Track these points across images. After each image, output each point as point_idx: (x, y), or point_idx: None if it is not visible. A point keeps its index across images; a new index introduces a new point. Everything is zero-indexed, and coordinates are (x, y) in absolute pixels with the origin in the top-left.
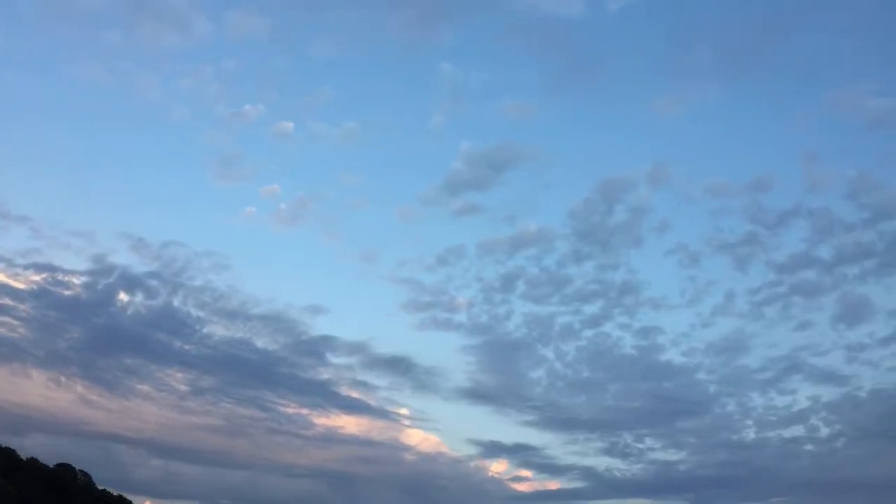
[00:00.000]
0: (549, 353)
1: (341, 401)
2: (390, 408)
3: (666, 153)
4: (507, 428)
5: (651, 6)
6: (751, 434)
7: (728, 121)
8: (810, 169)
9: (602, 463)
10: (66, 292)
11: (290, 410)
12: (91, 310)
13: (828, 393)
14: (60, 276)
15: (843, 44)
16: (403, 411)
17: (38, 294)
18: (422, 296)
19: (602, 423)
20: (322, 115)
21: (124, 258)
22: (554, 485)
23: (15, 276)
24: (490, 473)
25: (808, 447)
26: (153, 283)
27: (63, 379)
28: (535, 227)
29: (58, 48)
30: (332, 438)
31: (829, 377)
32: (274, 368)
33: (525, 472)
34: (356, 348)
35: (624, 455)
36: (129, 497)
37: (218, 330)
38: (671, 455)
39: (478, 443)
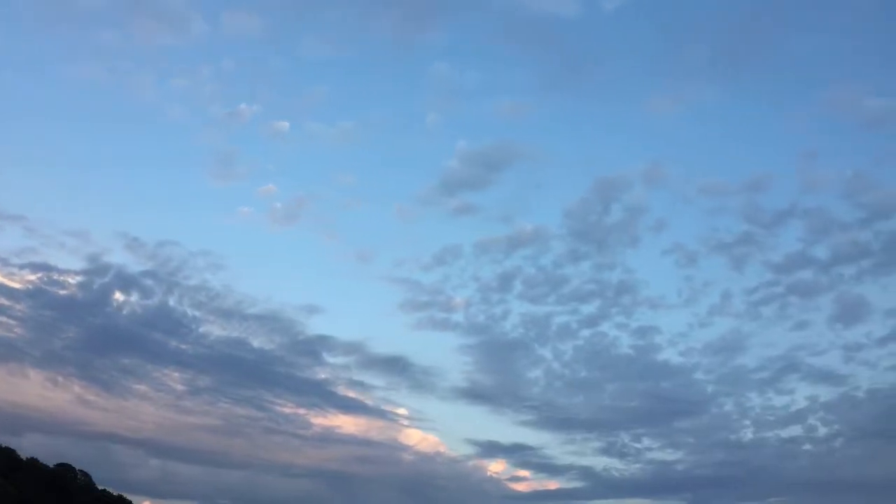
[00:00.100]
0: (546, 352)
1: (338, 400)
2: (387, 407)
3: (662, 153)
4: (505, 428)
5: (646, 5)
6: (748, 434)
7: (724, 120)
8: (806, 168)
9: (600, 463)
10: (62, 292)
11: (287, 410)
12: (87, 309)
13: (825, 393)
14: (56, 276)
15: (839, 43)
16: (401, 411)
17: (34, 294)
18: (418, 295)
19: (599, 423)
20: (317, 114)
21: (119, 257)
22: (552, 485)
23: (10, 275)
24: (488, 473)
25: (806, 447)
26: (148, 282)
27: (60, 379)
28: (532, 226)
29: (53, 48)
30: (329, 438)
31: (826, 377)
32: (270, 368)
33: (523, 472)
34: (352, 348)
35: (622, 455)
36: (128, 497)
37: (214, 329)
38: (669, 455)
39: (475, 443)
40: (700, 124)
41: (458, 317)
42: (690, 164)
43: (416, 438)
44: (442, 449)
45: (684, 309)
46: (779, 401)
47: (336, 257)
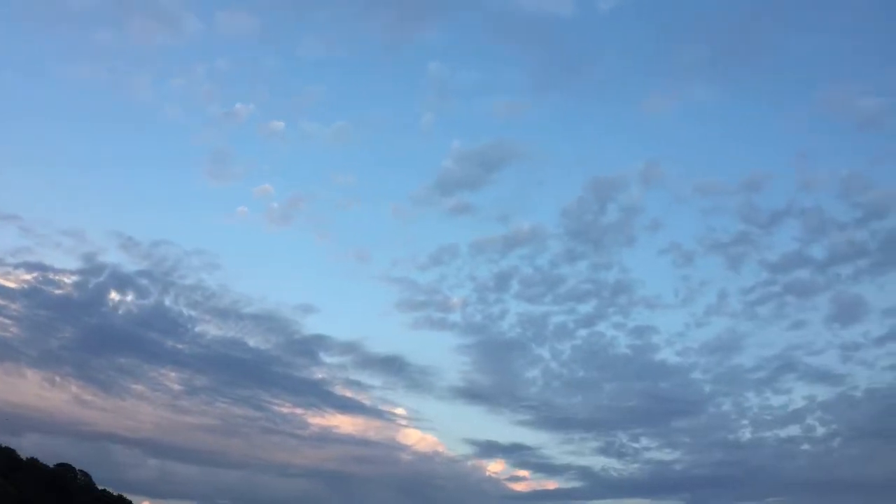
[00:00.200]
0: (543, 352)
1: (335, 400)
2: (385, 407)
3: (658, 152)
4: (503, 427)
5: (642, 5)
6: (747, 434)
7: (720, 120)
8: (802, 168)
9: (598, 463)
10: (58, 291)
11: (284, 410)
12: (83, 309)
13: (823, 392)
14: (51, 276)
15: (835, 43)
16: (399, 411)
17: (30, 293)
18: (415, 295)
19: (597, 423)
20: (313, 114)
21: (114, 257)
22: (551, 484)
23: (6, 274)
24: (487, 473)
25: (805, 447)
26: (144, 282)
27: (57, 379)
28: (528, 226)
29: (49, 48)
30: (327, 438)
31: (823, 377)
32: (267, 368)
33: (522, 472)
34: (349, 348)
35: (620, 455)
36: (127, 497)
37: (210, 329)
38: (667, 455)
39: (474, 442)
40: (696, 124)
41: (454, 316)
42: (687, 163)
43: (415, 438)
44: (440, 449)
45: (681, 308)
46: (776, 400)
47: (332, 257)
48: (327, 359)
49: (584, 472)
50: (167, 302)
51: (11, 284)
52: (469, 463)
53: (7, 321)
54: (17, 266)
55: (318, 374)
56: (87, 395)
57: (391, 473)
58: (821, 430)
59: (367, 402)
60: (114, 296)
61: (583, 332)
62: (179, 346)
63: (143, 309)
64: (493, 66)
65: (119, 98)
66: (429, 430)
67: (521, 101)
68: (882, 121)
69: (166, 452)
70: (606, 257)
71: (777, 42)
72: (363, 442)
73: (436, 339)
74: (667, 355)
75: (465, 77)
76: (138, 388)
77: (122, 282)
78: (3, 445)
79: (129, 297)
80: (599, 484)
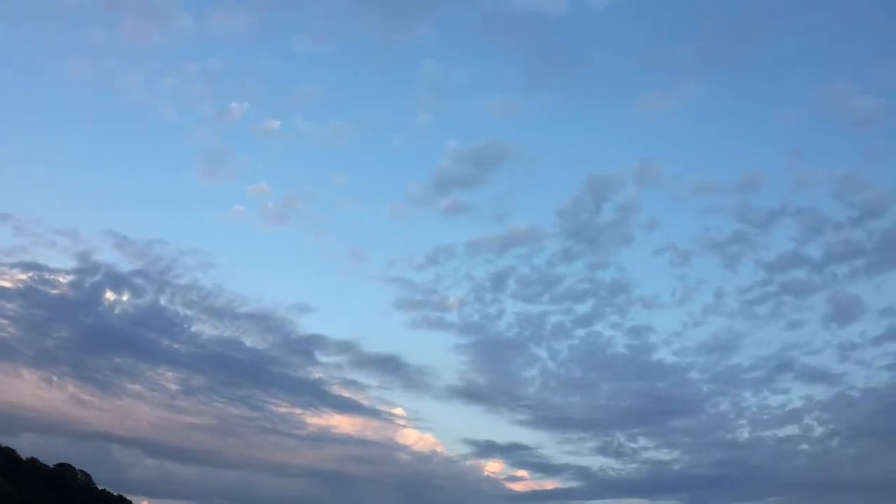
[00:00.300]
0: (541, 352)
1: (333, 400)
2: (383, 407)
3: (653, 151)
4: (501, 427)
5: (636, 3)
6: (745, 433)
7: (715, 119)
8: (798, 167)
9: (596, 462)
10: (53, 291)
11: (282, 410)
12: (78, 309)
13: (821, 392)
14: (47, 275)
15: (830, 42)
16: (397, 411)
17: (25, 293)
18: (412, 295)
19: (595, 423)
20: (308, 113)
21: (109, 256)
22: (550, 484)
23: (1, 274)
24: (486, 473)
25: (803, 446)
26: (139, 281)
27: (55, 378)
28: (525, 225)
29: (41, 47)
30: (325, 438)
31: (821, 376)
32: (264, 367)
33: (520, 472)
34: (345, 347)
35: (618, 454)
36: (126, 497)
37: (206, 329)
38: (665, 454)
39: (472, 442)
40: (692, 123)
41: (452, 316)
42: (682, 162)
43: (413, 438)
44: (438, 449)
45: (678, 308)
46: (774, 400)
47: (328, 256)
48: (324, 358)
49: (583, 472)
50: (163, 301)
51: (7, 284)
52: (467, 463)
53: (3, 321)
54: (12, 266)
55: (316, 373)
56: (83, 394)
57: (389, 473)
58: (819, 430)
59: (365, 402)
60: (109, 295)
61: (580, 332)
62: (176, 345)
63: (139, 308)
64: (487, 65)
65: (112, 97)
66: (427, 430)
67: (515, 99)
68: (878, 120)
69: (163, 452)
70: (603, 257)
71: (772, 41)
72: (361, 442)
73: (433, 339)
74: (664, 355)
75: (459, 75)
76: (135, 387)
77: (118, 281)
78: (3, 445)
79: (125, 297)
80: (598, 484)
